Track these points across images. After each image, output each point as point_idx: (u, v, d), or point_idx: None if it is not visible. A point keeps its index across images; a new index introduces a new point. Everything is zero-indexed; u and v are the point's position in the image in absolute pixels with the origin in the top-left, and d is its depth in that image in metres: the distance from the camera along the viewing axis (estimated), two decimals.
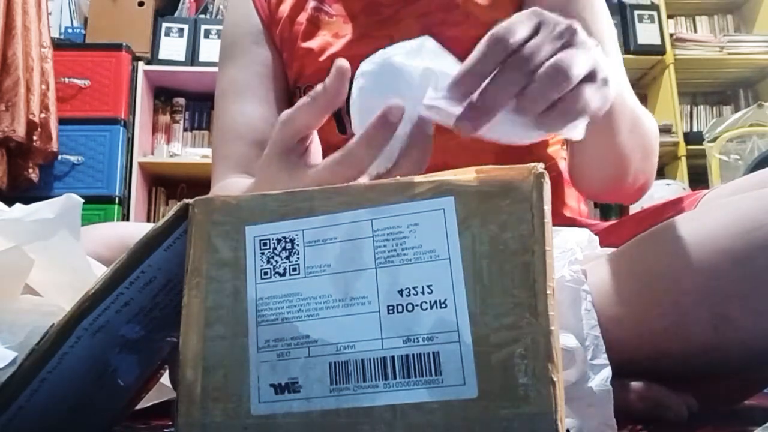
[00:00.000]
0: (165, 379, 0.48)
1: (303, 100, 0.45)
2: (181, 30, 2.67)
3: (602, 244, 0.56)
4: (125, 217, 2.42)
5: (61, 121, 2.29)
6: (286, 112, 0.46)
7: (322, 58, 0.80)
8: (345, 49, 0.80)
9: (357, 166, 0.43)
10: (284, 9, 0.86)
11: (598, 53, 0.44)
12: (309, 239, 0.34)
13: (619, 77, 0.75)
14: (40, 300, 0.44)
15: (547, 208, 0.32)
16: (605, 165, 0.70)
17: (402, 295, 0.32)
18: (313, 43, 0.82)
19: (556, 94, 0.41)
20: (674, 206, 0.69)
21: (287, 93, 0.86)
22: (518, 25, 0.42)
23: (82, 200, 0.46)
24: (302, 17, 0.84)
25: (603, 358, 0.45)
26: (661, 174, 2.72)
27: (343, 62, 0.44)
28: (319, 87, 0.44)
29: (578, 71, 0.41)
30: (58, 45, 2.42)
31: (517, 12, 0.43)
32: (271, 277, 0.33)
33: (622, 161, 0.69)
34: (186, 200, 0.36)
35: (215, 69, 0.95)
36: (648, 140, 0.71)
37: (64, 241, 0.45)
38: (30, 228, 0.44)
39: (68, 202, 0.45)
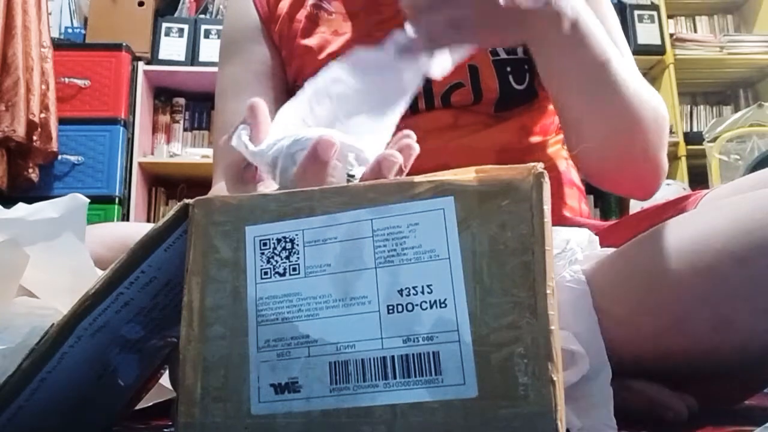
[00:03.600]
0: (165, 379, 0.48)
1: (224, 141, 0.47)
2: (181, 30, 2.67)
3: (602, 244, 0.56)
4: (125, 217, 2.42)
5: (61, 121, 2.29)
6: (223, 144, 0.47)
7: (322, 56, 0.80)
8: (344, 47, 0.80)
9: (322, 169, 0.44)
10: (283, 6, 0.86)
11: None
12: (309, 239, 0.34)
13: (628, 61, 0.74)
14: (36, 302, 0.43)
15: (547, 208, 0.32)
16: (609, 120, 0.66)
17: (402, 295, 0.32)
18: (313, 41, 0.82)
19: None
20: (674, 206, 0.69)
21: (286, 91, 0.86)
22: None
23: (88, 200, 0.45)
24: (301, 14, 0.84)
25: (603, 359, 0.45)
26: None
27: (254, 101, 0.46)
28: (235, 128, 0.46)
29: None
30: (58, 45, 2.41)
31: None
32: (271, 277, 0.33)
33: (626, 117, 0.65)
34: (186, 200, 0.36)
35: (215, 69, 0.95)
36: (656, 113, 0.68)
37: (68, 242, 0.44)
38: (33, 228, 0.43)
39: (73, 202, 0.44)
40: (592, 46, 0.62)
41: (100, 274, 0.37)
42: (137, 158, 2.50)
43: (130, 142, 2.49)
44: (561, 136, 0.86)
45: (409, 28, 0.52)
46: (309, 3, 0.84)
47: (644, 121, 0.67)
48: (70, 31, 2.75)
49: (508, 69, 0.78)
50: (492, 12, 0.53)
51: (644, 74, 3.05)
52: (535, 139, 0.81)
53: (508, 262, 0.31)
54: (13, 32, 2.13)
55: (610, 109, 0.66)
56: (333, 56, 0.79)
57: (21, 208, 0.45)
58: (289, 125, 0.47)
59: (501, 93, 0.77)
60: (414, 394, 0.30)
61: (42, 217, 0.44)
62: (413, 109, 0.76)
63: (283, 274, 0.33)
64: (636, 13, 2.80)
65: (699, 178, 2.56)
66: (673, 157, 2.73)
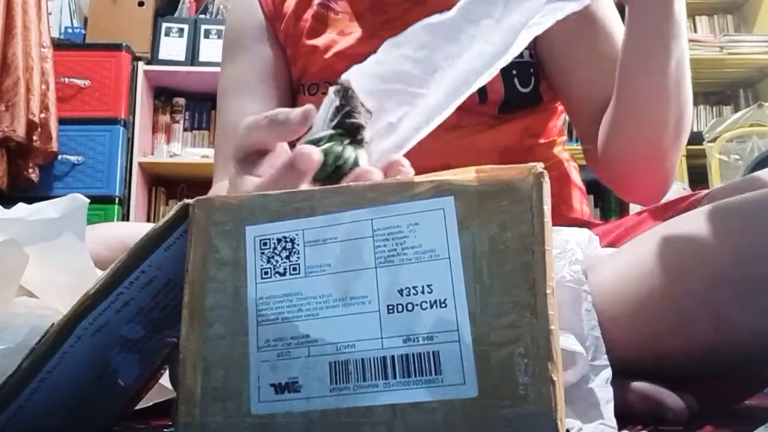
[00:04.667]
0: (165, 379, 0.48)
1: (263, 119, 0.45)
2: (181, 30, 2.67)
3: (602, 244, 0.56)
4: (125, 217, 2.42)
5: (61, 121, 2.29)
6: (249, 121, 0.45)
7: (328, 55, 0.80)
8: (350, 47, 0.80)
9: (298, 179, 0.43)
10: (289, 5, 0.86)
11: None
12: (309, 239, 0.34)
13: None
14: (36, 302, 0.43)
15: (547, 207, 0.32)
16: (644, 104, 0.67)
17: (402, 295, 0.32)
18: (319, 41, 0.82)
19: None
20: (674, 206, 0.69)
21: (290, 90, 0.86)
22: None
23: (88, 200, 0.45)
24: (308, 14, 0.84)
25: (603, 359, 0.45)
26: None
27: (310, 107, 0.44)
28: (282, 114, 0.44)
29: None
30: (58, 45, 2.42)
31: None
32: (271, 277, 0.33)
33: (661, 110, 0.66)
34: (186, 200, 0.36)
35: (215, 69, 0.95)
36: (685, 104, 0.68)
37: (68, 242, 0.44)
38: (33, 228, 0.43)
39: (73, 203, 0.44)
40: (683, 33, 0.63)
41: (100, 274, 0.37)
42: (137, 158, 2.50)
43: (130, 142, 2.49)
44: (563, 138, 0.86)
45: None
46: (315, 2, 0.84)
47: (687, 122, 0.69)
48: (70, 31, 2.75)
49: (514, 72, 0.78)
50: None
51: None
52: (537, 140, 0.81)
53: (508, 262, 0.31)
54: (13, 32, 2.13)
55: (675, 102, 0.66)
56: (339, 56, 0.79)
57: (21, 209, 0.45)
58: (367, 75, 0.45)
59: (506, 95, 0.77)
60: (414, 394, 0.30)
61: (42, 217, 0.44)
62: None
63: (284, 274, 0.33)
64: None
65: (699, 178, 2.56)
66: None
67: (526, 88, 0.78)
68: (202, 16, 2.78)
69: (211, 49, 2.61)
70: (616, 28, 0.76)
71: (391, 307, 0.32)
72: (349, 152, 0.44)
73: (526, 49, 0.77)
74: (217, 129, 0.89)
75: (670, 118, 0.67)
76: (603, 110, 0.72)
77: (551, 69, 0.79)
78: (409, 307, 0.31)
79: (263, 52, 0.85)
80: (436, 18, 0.47)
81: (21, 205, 0.46)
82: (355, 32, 0.81)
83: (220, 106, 0.88)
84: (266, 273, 0.34)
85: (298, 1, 0.85)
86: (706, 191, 0.69)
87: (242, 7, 0.90)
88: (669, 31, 0.61)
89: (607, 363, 0.45)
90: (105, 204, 2.34)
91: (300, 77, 0.84)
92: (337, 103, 0.44)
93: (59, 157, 2.31)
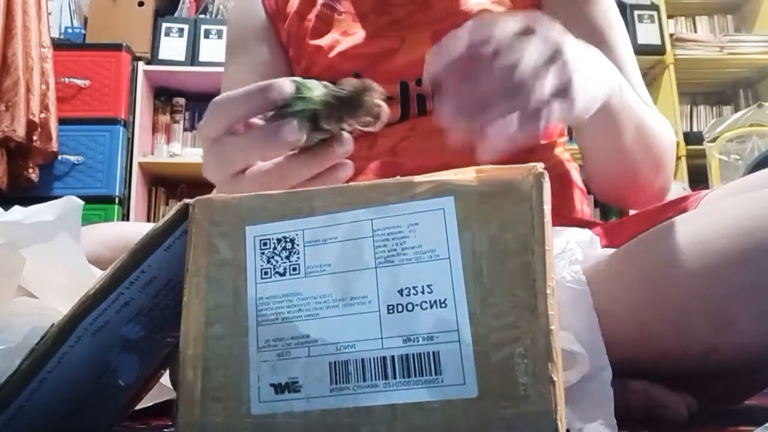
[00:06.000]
0: (165, 379, 0.48)
1: (248, 89, 0.44)
2: (181, 30, 2.67)
3: (602, 244, 0.56)
4: (125, 217, 2.41)
5: (61, 121, 2.29)
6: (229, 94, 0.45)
7: (331, 54, 0.80)
8: (354, 47, 0.80)
9: (285, 181, 0.44)
10: (293, 4, 0.86)
11: (575, 68, 0.45)
12: (309, 239, 0.34)
13: (630, 75, 0.76)
14: (36, 302, 0.44)
15: (547, 207, 0.32)
16: (610, 165, 0.72)
17: (402, 295, 0.32)
18: (323, 41, 0.82)
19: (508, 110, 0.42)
20: (674, 206, 0.69)
21: None
22: (508, 22, 0.43)
23: (83, 202, 0.46)
24: (312, 14, 0.84)
25: (603, 359, 0.45)
26: None
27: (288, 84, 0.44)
28: (270, 85, 0.44)
29: (543, 91, 0.43)
30: (58, 45, 2.41)
31: None
32: (271, 277, 0.33)
33: (627, 164, 0.70)
34: (186, 200, 0.36)
35: (215, 69, 0.95)
36: (657, 152, 0.72)
37: (64, 243, 0.44)
38: (29, 230, 0.44)
39: (68, 205, 0.45)
40: (629, 107, 0.63)
41: (99, 274, 0.37)
42: (137, 158, 2.50)
43: (130, 142, 2.49)
44: (564, 138, 0.86)
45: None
46: (319, 3, 0.84)
47: (666, 156, 0.74)
48: (70, 31, 2.75)
49: None
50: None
51: (644, 74, 3.05)
52: (538, 140, 0.81)
53: (509, 262, 0.31)
54: (13, 32, 2.13)
55: (643, 155, 0.70)
56: (342, 56, 0.79)
57: (17, 211, 0.46)
58: None
59: None
60: (414, 394, 0.30)
61: (38, 219, 0.44)
62: (420, 110, 0.77)
63: (284, 274, 0.33)
64: (636, 13, 2.80)
65: (699, 178, 2.56)
66: None
67: None
68: (202, 16, 2.78)
69: (211, 49, 2.61)
70: (619, 39, 0.78)
71: (391, 307, 0.32)
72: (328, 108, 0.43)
73: None
74: None
75: (641, 170, 0.72)
76: None
77: None
78: (409, 307, 0.31)
79: (264, 53, 0.85)
80: None
81: (17, 207, 0.46)
82: (359, 32, 0.81)
83: None
84: (266, 273, 0.34)
85: (301, 1, 0.85)
86: (706, 191, 0.69)
87: (244, 6, 0.90)
88: (614, 119, 0.63)
89: (607, 363, 0.45)
90: (105, 204, 2.34)
91: (303, 77, 0.84)
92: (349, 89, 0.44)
93: (59, 157, 2.31)
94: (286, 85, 0.43)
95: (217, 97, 0.45)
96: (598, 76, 0.53)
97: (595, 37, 0.76)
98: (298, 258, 0.33)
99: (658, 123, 0.73)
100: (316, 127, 0.43)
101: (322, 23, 0.83)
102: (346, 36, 0.81)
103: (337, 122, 0.44)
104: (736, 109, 2.90)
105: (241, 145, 0.45)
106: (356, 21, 0.82)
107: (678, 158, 2.71)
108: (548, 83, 0.43)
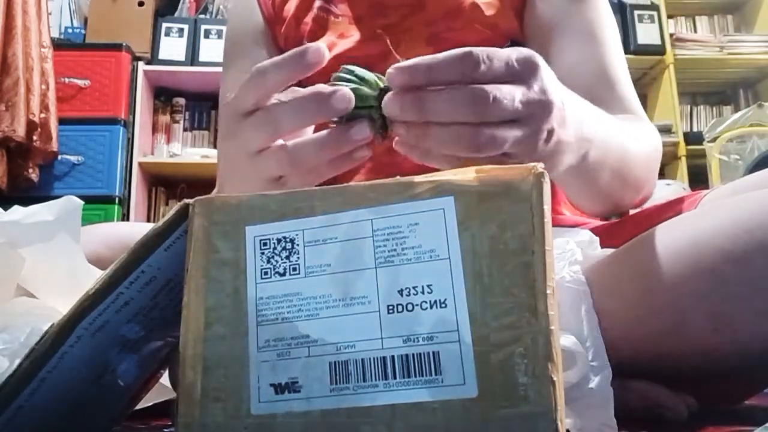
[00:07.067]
0: (165, 379, 0.48)
1: (283, 56, 0.46)
2: (181, 30, 2.67)
3: (602, 245, 0.56)
4: (125, 217, 2.42)
5: (61, 121, 2.29)
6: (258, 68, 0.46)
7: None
8: (349, 50, 0.80)
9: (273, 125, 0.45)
10: (290, 8, 0.86)
11: (558, 109, 0.44)
12: (309, 239, 0.34)
13: (618, 76, 0.76)
14: (35, 302, 0.44)
15: (547, 207, 0.32)
16: (586, 202, 0.72)
17: (402, 295, 0.32)
18: (319, 44, 0.82)
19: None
20: (674, 207, 0.69)
21: None
22: (496, 60, 0.41)
23: (82, 202, 0.46)
24: (309, 17, 0.84)
25: (603, 359, 0.45)
26: (661, 174, 2.71)
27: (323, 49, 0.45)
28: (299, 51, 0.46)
29: (509, 135, 0.41)
30: (58, 45, 2.42)
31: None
32: (271, 277, 0.33)
33: (606, 198, 0.69)
34: (186, 200, 0.36)
35: (215, 69, 0.96)
36: (640, 174, 0.70)
37: (64, 243, 0.44)
38: (29, 230, 0.44)
39: (68, 205, 0.45)
40: (607, 148, 0.58)
41: (98, 274, 0.37)
42: (137, 158, 2.50)
43: (130, 142, 2.49)
44: None
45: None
46: (316, 6, 0.84)
47: (650, 172, 0.73)
48: (70, 31, 2.75)
49: None
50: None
51: (644, 74, 3.04)
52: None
53: (508, 262, 0.31)
54: (13, 32, 2.13)
55: (616, 194, 0.69)
56: (338, 58, 0.79)
57: (17, 211, 0.46)
58: None
59: None
60: (414, 394, 0.30)
61: (37, 219, 0.44)
62: None
63: (284, 274, 0.33)
64: (636, 13, 2.80)
65: (699, 178, 2.56)
66: (673, 157, 2.73)
67: None
68: (202, 16, 2.78)
69: (211, 49, 2.61)
70: (609, 38, 0.77)
71: (391, 307, 0.32)
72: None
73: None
74: (219, 133, 0.90)
75: (623, 197, 0.71)
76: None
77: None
78: (409, 307, 0.31)
79: (261, 57, 0.86)
80: None
81: (17, 207, 0.46)
82: (355, 35, 0.81)
83: (222, 111, 0.88)
84: (266, 273, 0.34)
85: (298, 5, 0.85)
86: (706, 191, 0.69)
87: (242, 9, 0.90)
88: (588, 174, 0.58)
89: (607, 363, 0.45)
90: (105, 204, 2.34)
91: (300, 80, 0.84)
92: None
93: (59, 157, 2.31)
94: (321, 48, 0.44)
95: (256, 67, 0.46)
96: (574, 141, 0.48)
97: (587, 35, 0.76)
98: (298, 258, 0.33)
99: (641, 139, 0.69)
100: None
101: (318, 26, 0.83)
102: (343, 38, 0.81)
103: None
104: (736, 109, 2.90)
105: (292, 106, 0.45)
106: (352, 24, 0.82)
107: (678, 158, 2.71)
108: (512, 135, 0.41)
